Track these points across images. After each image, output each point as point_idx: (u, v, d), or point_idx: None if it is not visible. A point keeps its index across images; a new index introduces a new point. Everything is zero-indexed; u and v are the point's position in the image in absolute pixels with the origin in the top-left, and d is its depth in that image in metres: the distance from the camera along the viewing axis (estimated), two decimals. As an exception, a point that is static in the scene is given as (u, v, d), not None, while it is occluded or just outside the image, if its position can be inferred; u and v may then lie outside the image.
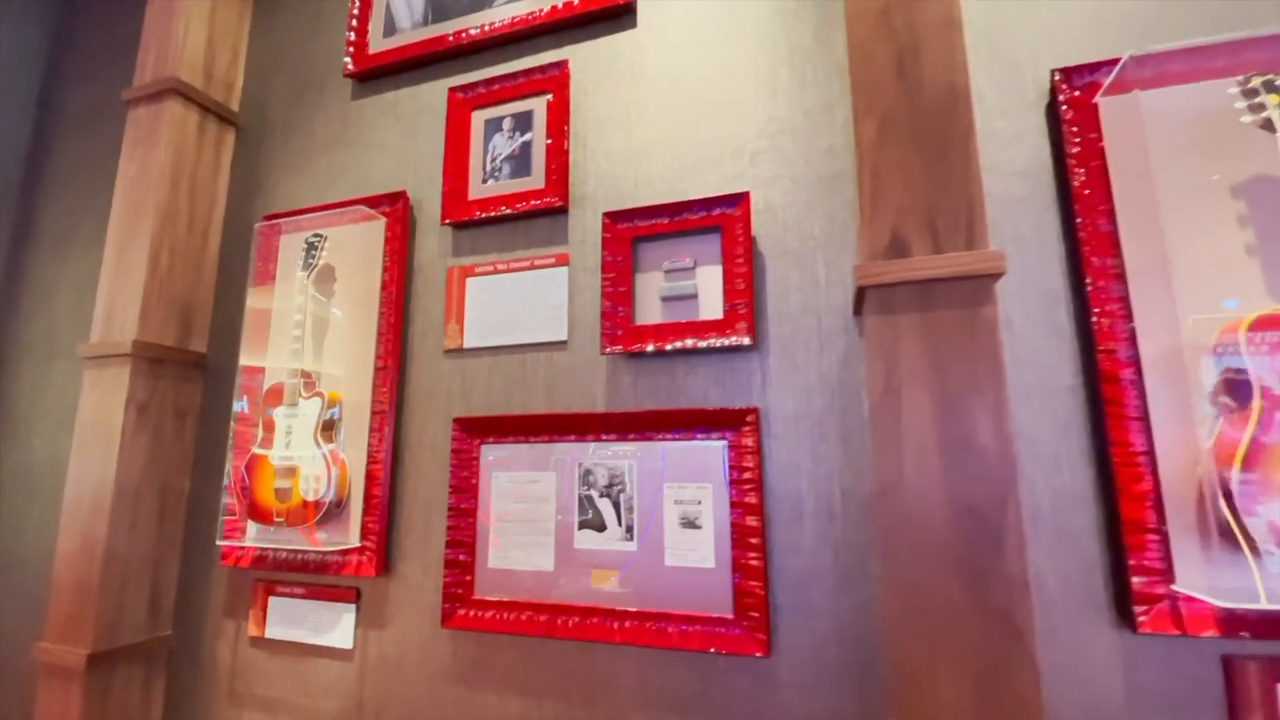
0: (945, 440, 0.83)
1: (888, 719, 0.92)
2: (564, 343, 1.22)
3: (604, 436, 1.14)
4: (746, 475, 1.04)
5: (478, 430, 1.22)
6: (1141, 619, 0.85)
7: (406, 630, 1.21)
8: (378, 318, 1.34)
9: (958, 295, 0.85)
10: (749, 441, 1.04)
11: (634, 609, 1.06)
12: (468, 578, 1.17)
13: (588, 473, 1.14)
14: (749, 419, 1.05)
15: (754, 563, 1.00)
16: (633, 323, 1.15)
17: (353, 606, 1.26)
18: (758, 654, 0.97)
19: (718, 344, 1.08)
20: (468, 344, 1.29)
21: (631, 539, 1.10)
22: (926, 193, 0.89)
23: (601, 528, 1.12)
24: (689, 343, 1.09)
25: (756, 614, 0.99)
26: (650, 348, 1.11)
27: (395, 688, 1.20)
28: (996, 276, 0.84)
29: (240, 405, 1.40)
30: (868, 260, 0.90)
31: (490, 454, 1.22)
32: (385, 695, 1.21)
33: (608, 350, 1.13)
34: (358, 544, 1.25)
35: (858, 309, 1.04)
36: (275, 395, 1.36)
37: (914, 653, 0.79)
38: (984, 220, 0.87)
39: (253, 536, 1.35)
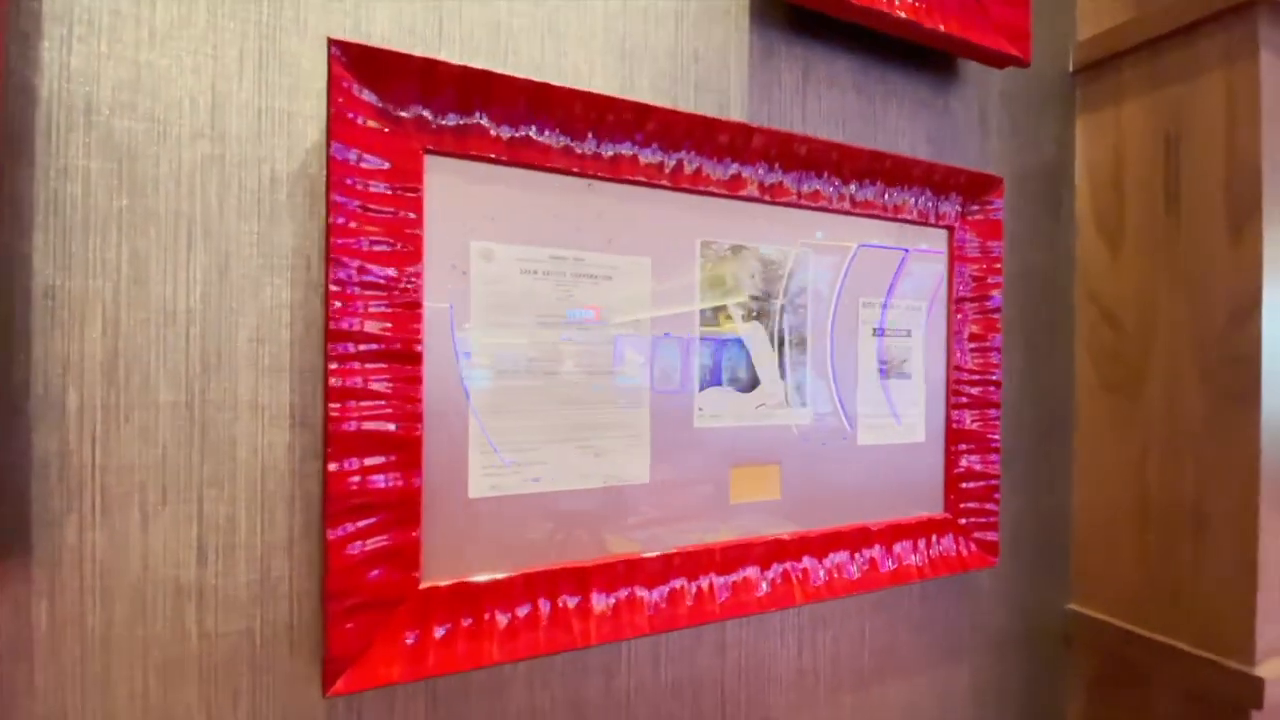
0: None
1: (1068, 604, 0.72)
2: (655, -56, 0.49)
3: (753, 182, 0.51)
4: (987, 286, 0.62)
5: (417, 93, 0.40)
6: None
7: (130, 744, 0.35)
8: None
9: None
10: (988, 238, 0.62)
11: (810, 531, 0.54)
12: (409, 535, 0.39)
13: (720, 264, 0.51)
14: (992, 195, 0.62)
15: (988, 430, 0.62)
16: (834, -51, 0.53)
17: None
18: (989, 565, 0.62)
19: (952, 49, 0.59)
20: None
21: (804, 403, 0.54)
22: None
23: (748, 384, 0.52)
24: (915, 20, 0.56)
25: (984, 504, 0.62)
26: None
27: None
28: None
29: None
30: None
31: (459, 187, 0.42)
32: None
33: (797, -12, 0.49)
34: None
35: (1083, 63, 0.71)
36: None
37: None
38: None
39: None
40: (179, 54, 0.36)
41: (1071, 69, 0.72)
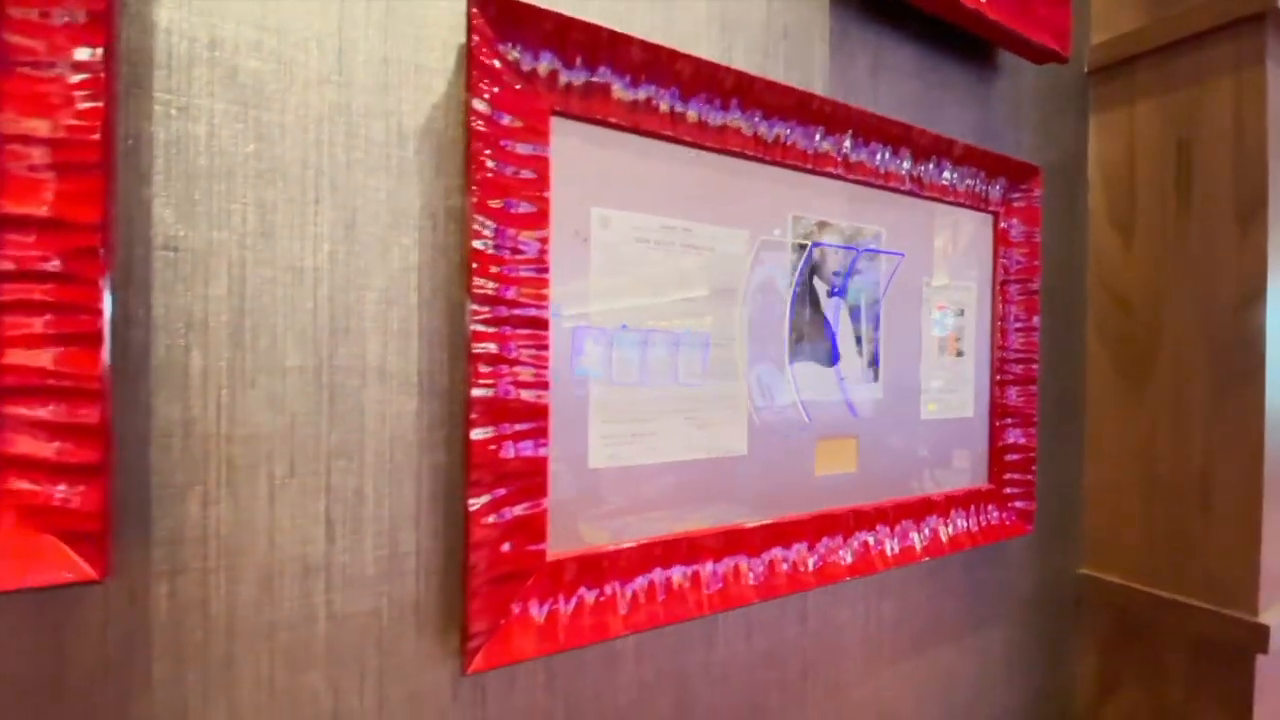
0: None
1: (1080, 569, 0.77)
2: (752, -83, 0.49)
3: (839, 160, 0.52)
4: (1029, 269, 0.65)
5: (550, 52, 0.38)
6: None
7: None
8: None
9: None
10: (1029, 223, 0.65)
11: (884, 502, 0.56)
12: (538, 505, 0.38)
13: (808, 239, 0.51)
14: (1033, 184, 0.66)
15: (1029, 405, 0.66)
16: (912, -63, 0.54)
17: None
18: (1026, 533, 0.65)
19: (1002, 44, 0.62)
20: None
21: (876, 377, 0.56)
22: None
23: (829, 358, 0.53)
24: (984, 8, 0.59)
25: (1025, 475, 0.66)
26: None
27: None
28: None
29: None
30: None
31: (582, 150, 0.40)
32: None
33: (886, -29, 0.51)
34: None
35: (1098, 64, 0.76)
36: None
37: None
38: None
39: None
40: (313, -9, 0.34)
41: (1086, 69, 0.77)
